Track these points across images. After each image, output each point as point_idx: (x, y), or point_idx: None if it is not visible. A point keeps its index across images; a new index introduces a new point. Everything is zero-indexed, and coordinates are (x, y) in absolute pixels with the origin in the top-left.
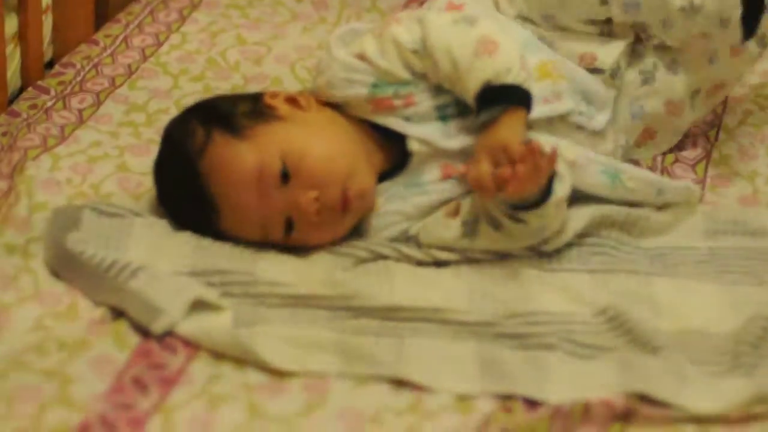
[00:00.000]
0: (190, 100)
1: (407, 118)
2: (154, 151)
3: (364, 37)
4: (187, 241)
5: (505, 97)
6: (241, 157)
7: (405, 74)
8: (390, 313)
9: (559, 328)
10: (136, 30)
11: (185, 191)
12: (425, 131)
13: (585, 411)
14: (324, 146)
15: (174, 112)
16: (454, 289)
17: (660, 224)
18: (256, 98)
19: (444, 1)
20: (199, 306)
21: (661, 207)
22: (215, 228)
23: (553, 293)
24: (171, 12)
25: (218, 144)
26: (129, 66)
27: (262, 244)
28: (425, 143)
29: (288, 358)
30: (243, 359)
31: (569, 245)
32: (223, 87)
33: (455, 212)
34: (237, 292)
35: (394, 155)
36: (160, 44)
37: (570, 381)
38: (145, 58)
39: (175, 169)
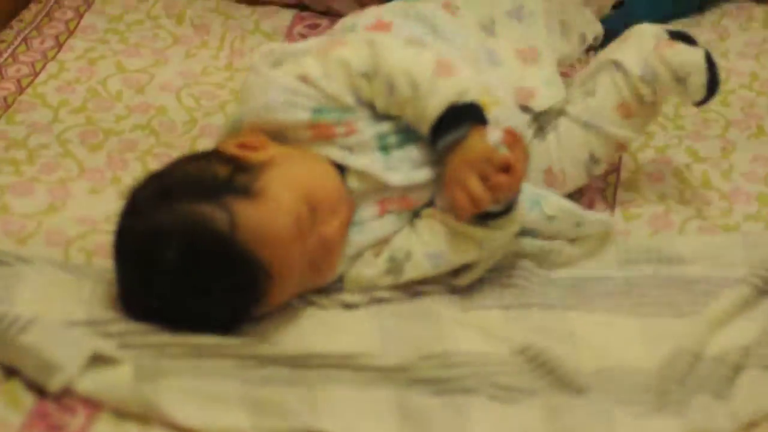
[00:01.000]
0: (72, 134)
1: (348, 148)
2: (37, 189)
3: (303, 58)
4: (81, 287)
5: (469, 116)
6: (271, 217)
7: (350, 99)
8: (299, 361)
9: (478, 370)
10: (10, 59)
11: (228, 275)
12: (366, 163)
13: None
14: (322, 171)
15: (56, 147)
16: (364, 333)
17: (572, 257)
18: (217, 156)
19: (370, 20)
20: (97, 360)
21: (574, 239)
22: (272, 297)
23: (468, 332)
24: (46, 39)
25: (243, 213)
26: (5, 98)
27: None
28: (365, 177)
29: (195, 414)
30: (148, 416)
31: (480, 279)
32: (106, 118)
33: (380, 250)
34: (137, 343)
35: None
36: (36, 74)
37: (491, 427)
38: (21, 90)
39: (208, 263)
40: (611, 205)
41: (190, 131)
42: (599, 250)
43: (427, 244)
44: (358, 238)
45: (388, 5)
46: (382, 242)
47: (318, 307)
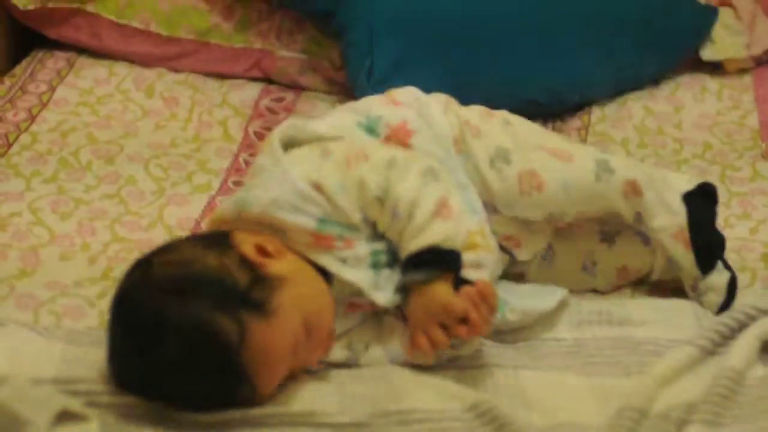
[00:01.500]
0: (43, 203)
1: (343, 260)
2: (10, 257)
3: (323, 161)
4: (50, 347)
5: (443, 262)
6: (280, 337)
7: (357, 218)
8: (259, 420)
9: (433, 426)
10: None
11: (220, 385)
12: (358, 278)
13: None
14: (326, 302)
15: (28, 216)
16: (322, 392)
17: (525, 322)
18: (236, 256)
19: (397, 118)
20: (65, 416)
21: None
22: (247, 402)
23: (423, 390)
24: (19, 111)
25: (255, 332)
26: None
27: None
28: (348, 287)
29: None
30: None
31: None
32: (76, 188)
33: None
34: (103, 402)
35: None
36: (9, 145)
37: None
38: None
39: (207, 367)
40: None
41: (158, 200)
42: (552, 315)
43: (387, 341)
44: None
45: (416, 99)
46: (343, 333)
47: None
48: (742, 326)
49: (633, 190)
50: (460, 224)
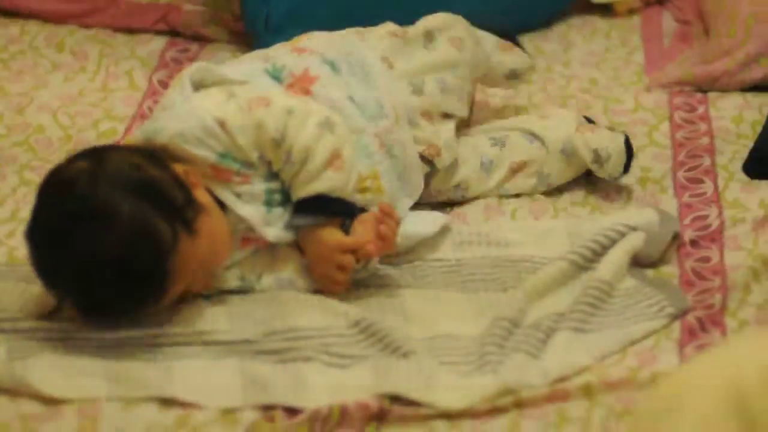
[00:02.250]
0: None
1: (238, 195)
2: None
3: (228, 102)
4: None
5: (330, 209)
6: (194, 254)
7: (254, 156)
8: (155, 340)
9: (316, 342)
10: None
11: (143, 284)
12: (251, 212)
13: (342, 413)
14: (227, 241)
15: None
16: (215, 314)
17: (408, 248)
18: (172, 176)
19: (300, 67)
20: None
21: None
22: (146, 306)
23: (310, 310)
24: None
25: (183, 243)
26: None
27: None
28: (242, 220)
29: (59, 385)
30: (17, 391)
31: None
32: None
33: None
34: (7, 328)
35: None
36: None
37: (327, 388)
38: None
39: (140, 264)
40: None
41: (65, 146)
42: (435, 238)
43: (279, 271)
44: None
45: (333, 41)
46: (236, 263)
47: None
48: (612, 242)
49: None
50: (350, 175)
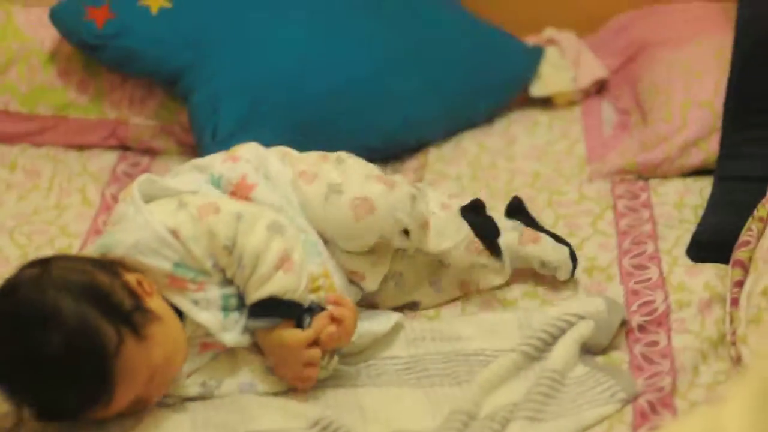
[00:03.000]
0: None
1: (195, 302)
2: None
3: (179, 211)
4: None
5: (284, 311)
6: (144, 360)
7: (208, 265)
8: None
9: None
10: None
11: (86, 386)
12: (208, 319)
13: None
14: (182, 350)
15: None
16: (177, 422)
17: (363, 346)
18: (123, 283)
19: (237, 175)
20: None
21: None
22: (93, 415)
23: (270, 412)
24: None
25: (129, 348)
26: None
27: None
28: (200, 327)
29: None
30: None
31: None
32: None
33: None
34: None
35: None
36: None
37: None
38: None
39: (81, 366)
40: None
41: None
42: (389, 336)
43: (240, 375)
44: None
45: (255, 152)
46: (195, 370)
47: None
48: (562, 332)
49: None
50: (301, 276)
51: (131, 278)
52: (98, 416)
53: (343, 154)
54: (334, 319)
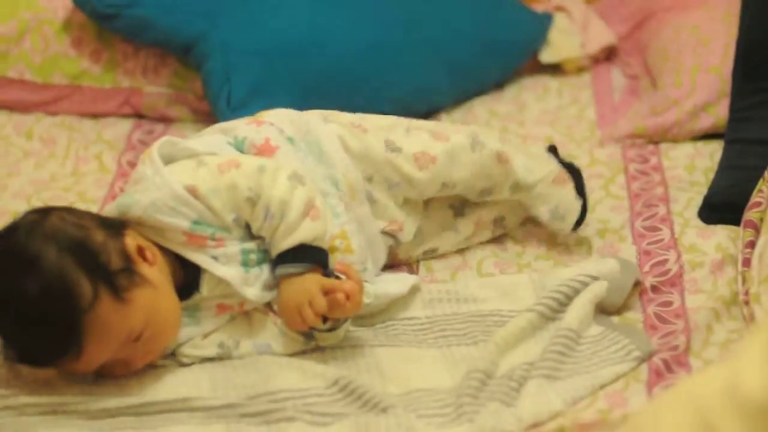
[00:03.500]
0: None
1: (214, 258)
2: None
3: (199, 168)
4: None
5: (312, 257)
6: (120, 322)
7: (229, 219)
8: (143, 409)
9: (298, 403)
10: None
11: (54, 334)
12: (230, 273)
13: None
14: (171, 321)
15: None
16: (198, 381)
17: (380, 308)
18: (118, 246)
19: (260, 138)
20: None
21: None
22: (64, 365)
23: (289, 373)
24: None
25: (104, 306)
26: None
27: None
28: (219, 284)
29: None
30: None
31: None
32: None
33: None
34: None
35: (180, 280)
36: None
37: None
38: None
39: (52, 313)
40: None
41: None
42: (406, 298)
43: (256, 336)
44: (192, 329)
45: (293, 119)
46: (212, 331)
47: (157, 366)
48: (576, 292)
49: (503, 158)
50: (326, 222)
51: (131, 242)
52: (71, 369)
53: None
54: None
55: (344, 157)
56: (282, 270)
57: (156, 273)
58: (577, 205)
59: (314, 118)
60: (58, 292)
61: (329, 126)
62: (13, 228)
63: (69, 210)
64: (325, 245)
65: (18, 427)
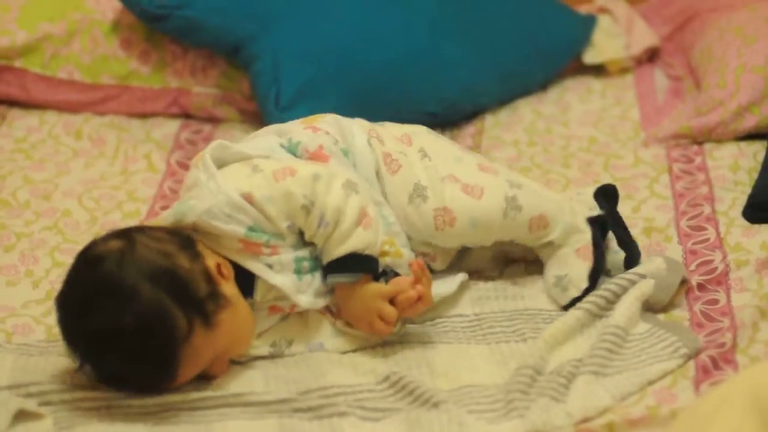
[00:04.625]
0: None
1: (269, 265)
2: None
3: (254, 175)
4: (3, 359)
5: (364, 266)
6: (210, 346)
7: (283, 226)
8: (197, 403)
9: (350, 398)
10: None
11: (152, 367)
12: (283, 281)
13: None
14: (248, 331)
15: None
16: (250, 377)
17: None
18: (202, 269)
19: (314, 145)
20: (22, 416)
21: None
22: (156, 390)
23: (340, 369)
24: None
25: (197, 336)
26: None
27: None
28: (272, 290)
29: None
30: None
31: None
32: (16, 223)
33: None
34: (54, 400)
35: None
36: None
37: None
38: None
39: (150, 348)
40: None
41: (92, 228)
42: (454, 295)
43: (310, 336)
44: None
45: (340, 130)
46: (264, 331)
47: None
48: (624, 290)
49: (539, 224)
50: (378, 232)
51: (211, 263)
52: (159, 392)
53: (423, 139)
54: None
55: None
56: (333, 279)
57: (232, 287)
58: (582, 284)
59: (357, 128)
60: (156, 328)
61: (371, 152)
62: (99, 258)
63: (146, 232)
64: (375, 254)
65: (73, 421)
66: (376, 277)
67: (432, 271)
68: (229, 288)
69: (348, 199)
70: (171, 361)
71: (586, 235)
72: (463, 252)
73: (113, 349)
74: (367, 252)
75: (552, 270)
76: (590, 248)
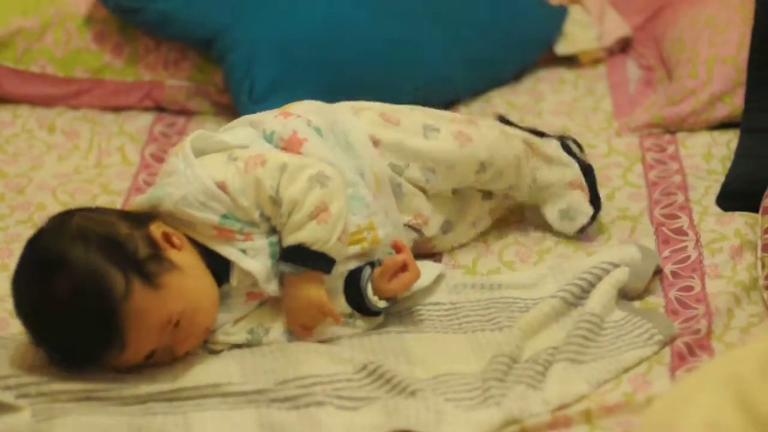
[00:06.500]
0: None
1: (243, 250)
2: None
3: (228, 165)
4: None
5: (310, 261)
6: (157, 308)
7: (255, 215)
8: (174, 394)
9: (327, 387)
10: None
11: (94, 330)
12: (256, 267)
13: None
14: (209, 301)
15: None
16: (227, 368)
17: (406, 296)
18: (145, 233)
19: (288, 131)
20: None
21: None
22: (111, 360)
23: (318, 358)
24: None
25: (138, 294)
26: None
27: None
28: (248, 276)
29: None
30: None
31: None
32: None
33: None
34: (32, 392)
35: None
36: None
37: (342, 429)
38: None
39: (88, 310)
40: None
41: None
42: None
43: (288, 324)
44: (223, 315)
45: (320, 110)
46: (242, 317)
47: (188, 354)
48: (598, 279)
49: (529, 146)
50: (335, 229)
51: (156, 230)
52: (120, 363)
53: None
54: (404, 266)
55: (371, 149)
56: (281, 267)
57: (186, 257)
58: (588, 210)
59: (343, 108)
60: (91, 288)
61: (359, 119)
62: (39, 233)
63: (93, 209)
64: (328, 250)
65: (51, 413)
66: (360, 270)
67: (422, 235)
68: (181, 256)
69: (309, 192)
70: (113, 320)
71: (573, 167)
72: (464, 204)
73: (53, 319)
74: (315, 247)
75: (553, 208)
76: (581, 178)
